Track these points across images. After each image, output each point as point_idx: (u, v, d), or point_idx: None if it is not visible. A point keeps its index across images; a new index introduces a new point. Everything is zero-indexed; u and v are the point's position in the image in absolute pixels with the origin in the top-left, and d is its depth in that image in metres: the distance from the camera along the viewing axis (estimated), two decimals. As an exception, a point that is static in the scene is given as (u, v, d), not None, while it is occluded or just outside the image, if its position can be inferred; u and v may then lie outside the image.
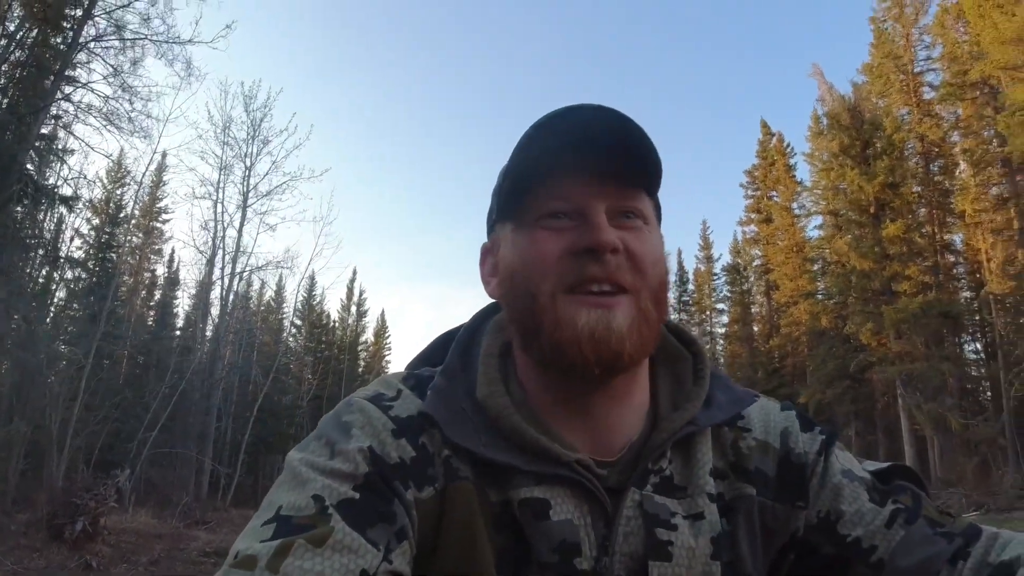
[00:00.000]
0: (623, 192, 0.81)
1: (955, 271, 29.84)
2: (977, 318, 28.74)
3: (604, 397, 0.82)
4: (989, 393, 29.04)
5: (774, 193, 39.27)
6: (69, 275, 23.35)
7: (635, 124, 0.79)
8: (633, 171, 0.82)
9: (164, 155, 32.82)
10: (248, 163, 27.14)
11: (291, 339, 42.82)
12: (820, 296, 34.14)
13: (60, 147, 17.39)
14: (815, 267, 35.37)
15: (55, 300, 22.83)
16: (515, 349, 0.88)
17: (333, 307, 52.30)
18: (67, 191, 17.32)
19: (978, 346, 30.43)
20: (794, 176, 38.30)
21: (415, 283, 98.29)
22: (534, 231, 0.81)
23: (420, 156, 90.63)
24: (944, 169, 28.55)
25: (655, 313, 0.80)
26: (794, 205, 37.59)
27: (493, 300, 0.96)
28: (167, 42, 17.95)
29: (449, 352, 0.91)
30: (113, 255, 27.30)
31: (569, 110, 0.78)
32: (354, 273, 52.41)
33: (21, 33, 15.60)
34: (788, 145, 39.19)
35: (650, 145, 0.80)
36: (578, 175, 0.80)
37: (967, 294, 29.29)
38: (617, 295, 0.77)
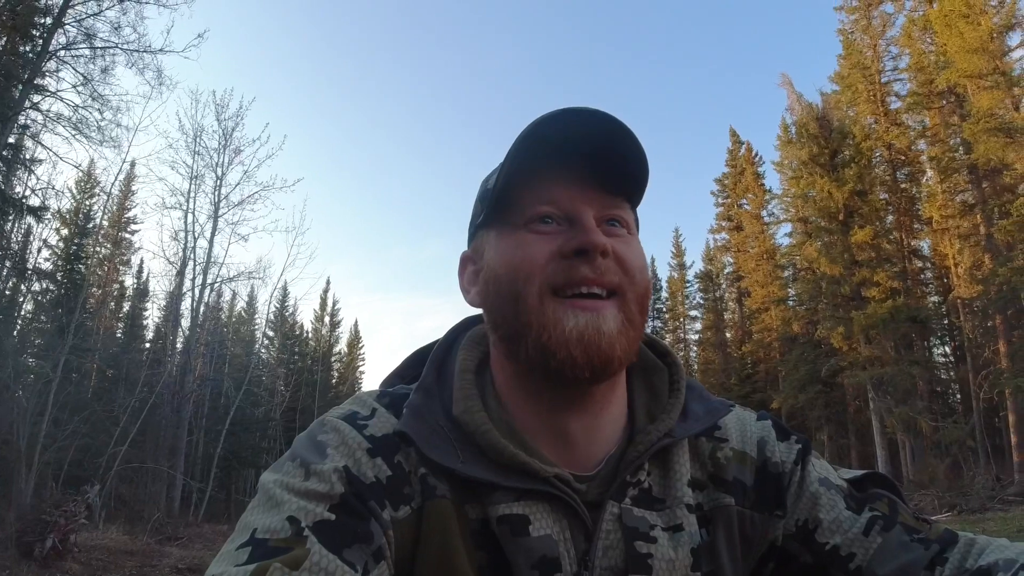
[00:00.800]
0: (610, 200, 0.82)
1: (923, 276, 30.31)
2: (945, 322, 29.20)
3: (584, 408, 0.82)
4: (958, 395, 29.54)
5: (744, 201, 39.67)
6: (37, 287, 22.98)
7: (628, 131, 0.79)
8: (622, 180, 0.82)
9: (133, 165, 32.50)
10: (219, 173, 26.85)
11: (263, 351, 42.36)
12: (791, 302, 34.54)
13: (28, 157, 17.13)
14: (785, 274, 35.78)
15: (22, 312, 22.48)
16: (494, 362, 0.88)
17: (306, 318, 51.92)
18: (35, 201, 17.07)
19: (947, 349, 30.97)
20: (763, 184, 38.78)
21: (389, 294, 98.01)
22: (521, 234, 0.80)
23: (393, 167, 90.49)
24: (911, 176, 29.03)
25: (639, 319, 0.81)
26: (764, 213, 38.04)
27: (469, 314, 0.96)
28: (138, 51, 17.83)
29: (424, 368, 0.90)
30: (82, 266, 26.88)
31: (563, 113, 0.78)
32: (327, 283, 52.17)
33: (-12, 42, 15.38)
34: (757, 154, 39.68)
35: (641, 154, 0.80)
36: (567, 180, 0.80)
37: (935, 299, 29.80)
38: (605, 299, 0.78)
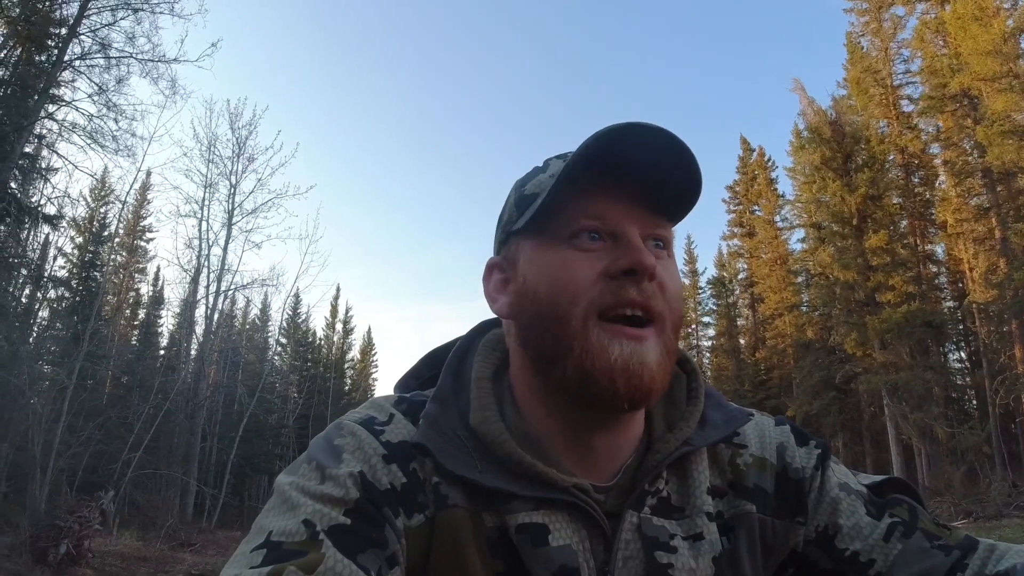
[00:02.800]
0: (655, 219, 0.80)
1: (937, 281, 30.12)
2: (961, 327, 28.99)
3: (608, 428, 0.81)
4: (974, 401, 29.30)
5: (756, 207, 39.55)
6: (52, 294, 23.12)
7: (689, 152, 0.77)
8: (674, 201, 0.80)
9: (148, 173, 32.66)
10: (233, 181, 27.06)
11: (276, 358, 42.45)
12: (805, 308, 34.41)
13: (44, 166, 17.28)
14: (799, 279, 35.61)
15: (38, 320, 22.63)
16: (514, 371, 0.86)
17: (319, 325, 52.03)
18: (51, 210, 17.20)
19: (962, 355, 30.72)
20: (776, 189, 38.63)
21: (400, 300, 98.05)
22: (564, 251, 0.78)
23: (404, 173, 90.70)
24: (925, 180, 28.87)
25: (674, 347, 0.80)
26: (776, 218, 37.88)
27: (484, 318, 0.95)
28: (152, 60, 17.96)
29: (441, 374, 0.89)
30: (97, 274, 27.04)
31: (625, 127, 0.75)
32: (337, 290, 52.13)
33: (4, 51, 15.54)
34: (769, 159, 39.54)
35: (698, 179, 0.79)
36: (615, 195, 0.78)
37: (950, 303, 29.59)
38: (647, 326, 0.76)
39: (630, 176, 0.77)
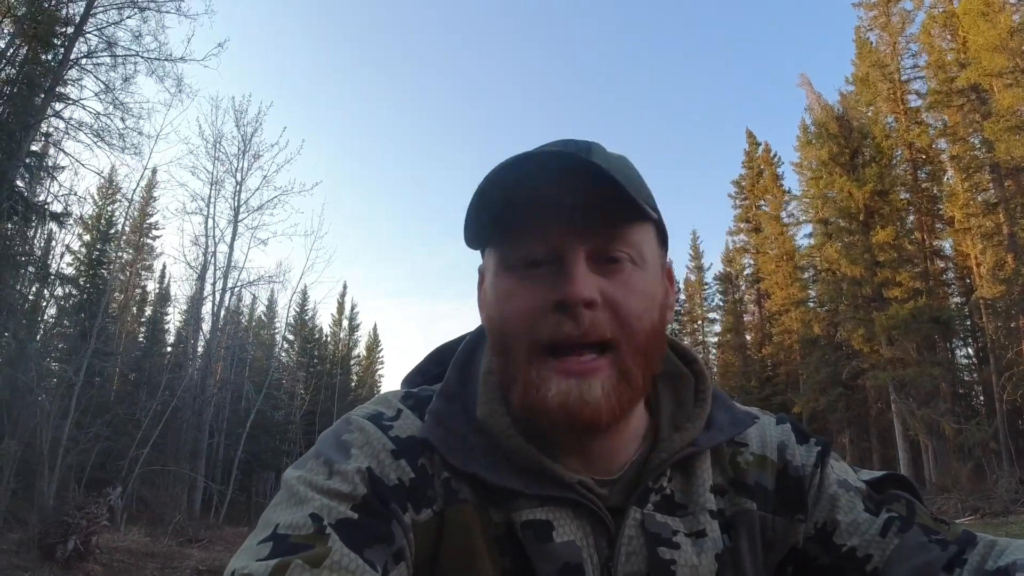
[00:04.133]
0: (608, 232, 0.75)
1: (945, 276, 29.99)
2: (968, 323, 28.87)
3: (598, 437, 0.80)
4: (982, 397, 29.16)
5: (763, 203, 39.42)
6: (60, 292, 23.17)
7: (612, 156, 0.76)
8: (615, 207, 0.74)
9: (155, 171, 32.70)
10: (239, 178, 27.02)
11: (283, 354, 42.45)
12: (811, 304, 34.29)
13: (50, 164, 17.31)
14: (806, 275, 35.50)
15: (45, 317, 22.68)
16: None
17: (325, 322, 52.14)
18: (57, 208, 17.25)
19: (969, 351, 30.60)
20: (782, 185, 38.50)
21: (407, 298, 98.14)
22: (512, 279, 0.76)
23: (410, 170, 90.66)
24: (932, 175, 28.74)
25: (639, 370, 0.75)
26: (783, 214, 37.75)
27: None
28: (159, 59, 17.98)
29: (448, 370, 0.89)
30: (104, 271, 27.08)
31: (537, 151, 0.73)
32: (344, 287, 52.29)
33: (11, 50, 15.58)
34: (775, 155, 39.39)
35: (632, 175, 0.77)
36: (557, 215, 0.74)
37: (957, 299, 29.46)
38: (596, 358, 0.73)
39: (562, 192, 0.73)
